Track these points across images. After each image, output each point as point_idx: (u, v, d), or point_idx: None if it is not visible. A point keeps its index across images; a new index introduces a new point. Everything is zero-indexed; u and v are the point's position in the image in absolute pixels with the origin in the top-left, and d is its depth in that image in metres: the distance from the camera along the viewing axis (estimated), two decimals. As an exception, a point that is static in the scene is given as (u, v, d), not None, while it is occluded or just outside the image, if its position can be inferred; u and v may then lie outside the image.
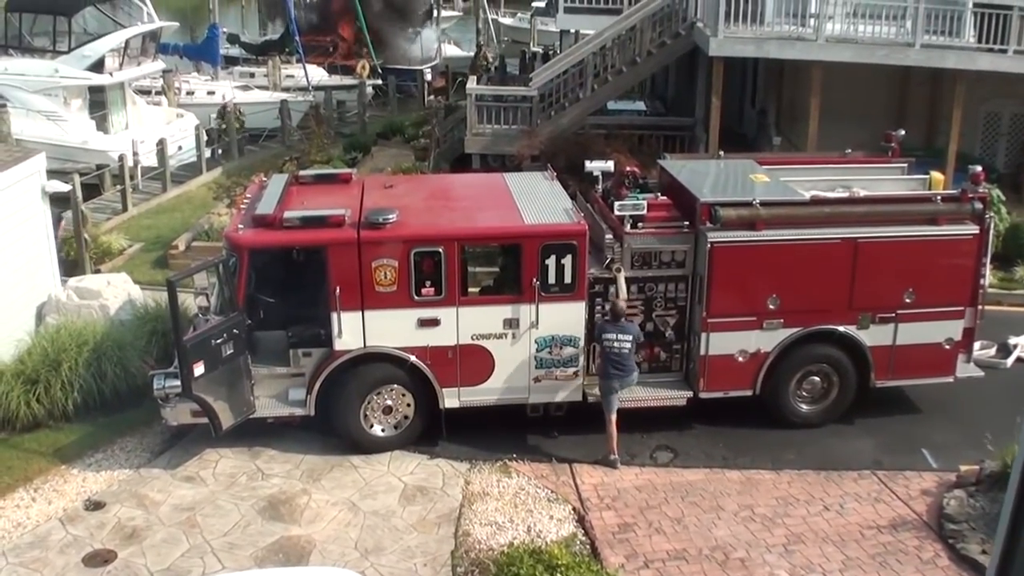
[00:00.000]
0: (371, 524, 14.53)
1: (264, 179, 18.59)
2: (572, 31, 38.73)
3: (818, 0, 26.02)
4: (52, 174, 21.03)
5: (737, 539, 14.27)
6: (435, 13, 62.45)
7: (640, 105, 36.09)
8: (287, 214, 15.82)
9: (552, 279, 15.92)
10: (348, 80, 48.13)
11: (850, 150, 19.71)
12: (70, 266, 23.26)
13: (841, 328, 16.79)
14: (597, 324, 16.22)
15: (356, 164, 32.81)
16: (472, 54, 51.98)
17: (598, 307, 16.43)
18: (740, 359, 16.70)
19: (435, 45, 56.62)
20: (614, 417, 16.00)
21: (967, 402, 17.66)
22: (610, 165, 18.64)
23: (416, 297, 15.75)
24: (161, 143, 32.83)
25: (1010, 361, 19.53)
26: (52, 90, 34.91)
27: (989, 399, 17.49)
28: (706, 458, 16.45)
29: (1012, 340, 19.94)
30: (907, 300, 16.73)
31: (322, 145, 32.71)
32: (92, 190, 30.09)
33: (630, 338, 15.75)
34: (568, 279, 15.95)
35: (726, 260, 16.27)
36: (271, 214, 15.89)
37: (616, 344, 15.71)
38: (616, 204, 16.83)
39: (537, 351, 16.23)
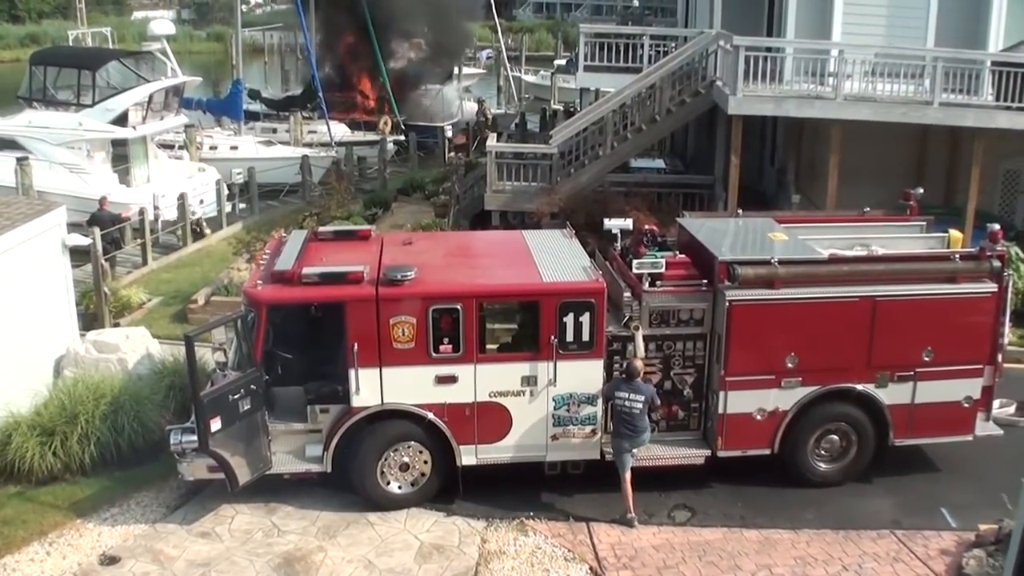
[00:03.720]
0: (386, 582, 14.48)
1: (283, 235, 18.66)
2: (592, 89, 38.91)
3: (836, 59, 26.12)
4: (74, 227, 21.21)
5: (755, 600, 14.18)
6: (457, 71, 62.84)
7: (660, 163, 36.19)
8: (306, 270, 15.85)
9: (570, 337, 15.90)
10: (370, 136, 48.38)
11: (869, 208, 19.70)
12: (89, 319, 23.42)
13: (859, 387, 16.73)
14: (611, 382, 16.18)
15: (376, 220, 32.86)
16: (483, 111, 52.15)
17: (616, 365, 16.39)
18: (758, 417, 16.63)
19: (456, 102, 56.94)
20: (628, 476, 15.94)
21: (986, 461, 17.53)
22: (629, 223, 18.65)
23: (434, 354, 15.75)
24: (182, 197, 33.01)
25: (1030, 420, 19.38)
26: (75, 143, 35.14)
27: (1008, 458, 17.34)
28: (724, 517, 16.35)
29: (1032, 399, 19.80)
30: (926, 358, 16.66)
31: (342, 201, 32.80)
32: (113, 243, 30.22)
33: (642, 399, 15.68)
34: (586, 337, 15.94)
35: (744, 318, 16.25)
36: (290, 270, 15.94)
37: (628, 403, 15.66)
38: (634, 262, 16.83)
39: (555, 409, 16.20)
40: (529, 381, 16.05)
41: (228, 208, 36.50)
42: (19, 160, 32.76)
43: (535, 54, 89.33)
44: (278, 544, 15.35)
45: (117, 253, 29.82)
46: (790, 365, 16.44)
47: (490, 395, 16.05)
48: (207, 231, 34.42)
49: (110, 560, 14.91)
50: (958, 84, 25.91)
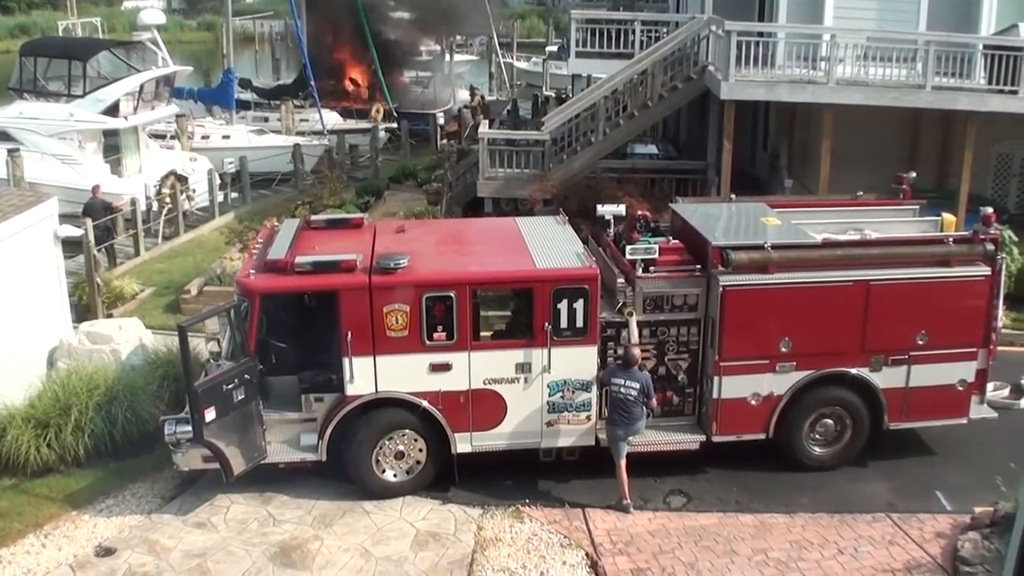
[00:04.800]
0: (383, 570, 14.45)
1: (276, 224, 18.63)
2: (584, 75, 38.85)
3: (828, 43, 26.09)
4: (66, 218, 21.14)
5: (751, 585, 14.18)
6: (449, 57, 62.67)
7: (652, 148, 36.14)
8: (299, 259, 15.82)
9: (564, 323, 15.89)
10: (362, 124, 48.25)
11: (862, 192, 19.68)
12: (82, 310, 23.36)
13: (854, 371, 16.75)
14: (607, 368, 16.18)
15: (368, 208, 32.85)
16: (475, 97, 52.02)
17: (610, 351, 16.39)
18: (753, 402, 16.64)
19: (449, 89, 56.81)
20: (623, 463, 15.93)
21: (981, 444, 17.56)
22: (622, 209, 18.67)
23: (428, 342, 15.73)
24: (173, 187, 32.91)
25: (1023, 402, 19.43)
26: (67, 134, 34.98)
27: (1003, 440, 17.39)
28: (719, 502, 16.36)
29: (1025, 381, 19.84)
30: (919, 342, 16.68)
31: (335, 189, 32.71)
32: (106, 232, 30.12)
33: (637, 386, 15.66)
34: (580, 323, 15.92)
35: (738, 303, 16.24)
36: (283, 259, 15.91)
37: (623, 391, 15.64)
38: (628, 248, 16.84)
39: (549, 395, 16.19)
40: (523, 368, 16.03)
41: (220, 198, 36.40)
42: (10, 151, 32.53)
43: (527, 40, 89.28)
44: (274, 533, 15.34)
45: (112, 243, 29.73)
46: (784, 350, 16.45)
47: (484, 382, 16.04)
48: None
49: (106, 551, 14.88)
50: (950, 68, 25.87)
